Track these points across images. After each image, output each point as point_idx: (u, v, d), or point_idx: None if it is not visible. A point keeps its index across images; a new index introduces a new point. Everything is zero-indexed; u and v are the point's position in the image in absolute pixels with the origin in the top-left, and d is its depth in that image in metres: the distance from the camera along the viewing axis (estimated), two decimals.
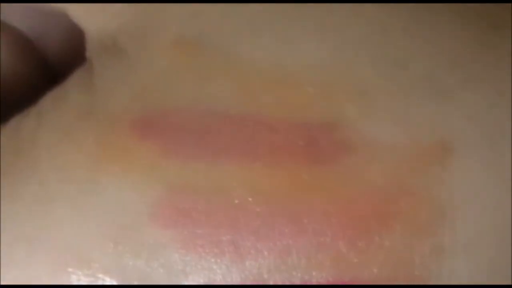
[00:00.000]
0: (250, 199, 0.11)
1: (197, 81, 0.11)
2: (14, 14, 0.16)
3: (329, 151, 0.11)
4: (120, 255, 0.11)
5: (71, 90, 0.12)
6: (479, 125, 0.11)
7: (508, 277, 0.11)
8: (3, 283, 0.12)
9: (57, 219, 0.11)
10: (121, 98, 0.12)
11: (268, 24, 0.12)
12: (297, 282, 0.11)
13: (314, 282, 0.11)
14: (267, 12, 0.12)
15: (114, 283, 0.11)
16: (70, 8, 0.13)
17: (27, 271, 0.12)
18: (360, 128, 0.11)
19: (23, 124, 0.13)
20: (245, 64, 0.11)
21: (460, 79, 0.11)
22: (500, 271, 0.11)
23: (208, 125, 0.11)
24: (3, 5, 0.15)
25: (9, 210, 0.12)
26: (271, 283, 0.11)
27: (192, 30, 0.12)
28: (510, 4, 0.12)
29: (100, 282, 0.11)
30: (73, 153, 0.12)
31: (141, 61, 0.12)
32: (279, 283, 0.11)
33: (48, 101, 0.13)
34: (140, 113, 0.12)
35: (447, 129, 0.11)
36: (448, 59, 0.11)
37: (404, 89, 0.11)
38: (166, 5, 0.12)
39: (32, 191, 0.12)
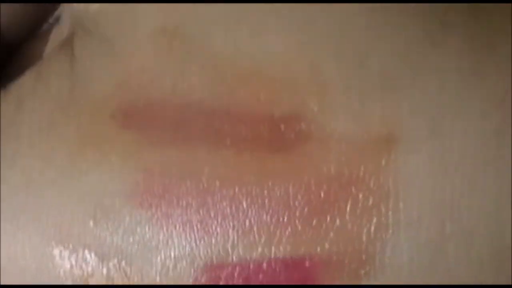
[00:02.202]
0: (217, 183, 0.12)
1: (176, 73, 0.12)
2: None
3: (290, 141, 0.12)
4: (99, 231, 0.12)
5: (51, 75, 0.13)
6: (422, 119, 0.12)
7: (442, 256, 0.12)
8: None
9: (41, 201, 0.13)
10: (102, 87, 0.13)
11: (241, 18, 0.12)
12: (257, 256, 0.12)
13: (272, 256, 0.12)
14: (241, 7, 0.12)
15: (93, 256, 0.12)
16: None
17: (14, 245, 0.13)
18: (319, 121, 0.12)
19: (3, 108, 0.13)
20: (219, 58, 0.12)
21: (410, 76, 0.12)
22: (435, 249, 0.12)
23: (182, 116, 0.12)
24: None
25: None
26: (234, 257, 0.12)
27: (173, 21, 0.12)
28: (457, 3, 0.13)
29: (80, 255, 0.12)
30: (54, 141, 0.13)
31: (124, 49, 0.13)
32: (242, 257, 0.12)
33: (27, 85, 0.13)
34: (120, 103, 0.13)
35: (394, 122, 0.12)
36: (401, 56, 0.12)
37: (360, 85, 0.12)
38: None
39: (15, 176, 0.13)
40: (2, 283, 0.13)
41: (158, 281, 0.12)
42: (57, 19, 0.16)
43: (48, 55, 0.14)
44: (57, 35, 0.15)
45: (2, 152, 0.13)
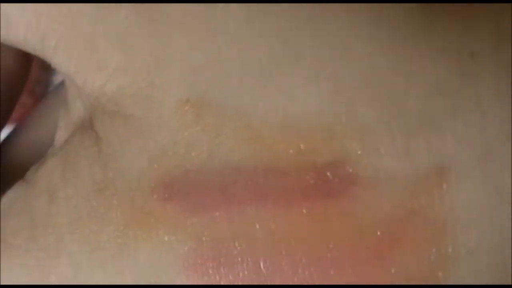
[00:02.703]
0: (271, 239, 0.12)
1: (209, 139, 0.12)
2: None
3: (338, 186, 0.12)
4: None
5: (79, 160, 0.13)
6: (469, 148, 0.12)
7: (506, 279, 0.12)
8: None
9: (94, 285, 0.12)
10: (136, 163, 0.12)
11: (268, 76, 0.12)
12: None
13: None
14: (265, 64, 0.12)
15: None
16: (57, 58, 0.13)
17: None
18: (364, 162, 0.12)
19: (34, 204, 0.13)
20: (250, 118, 0.12)
21: (449, 108, 0.12)
22: (498, 273, 0.12)
23: (224, 179, 0.12)
24: None
25: (47, 277, 0.13)
26: None
27: (196, 90, 0.12)
28: (485, 30, 0.13)
29: None
30: (97, 224, 0.12)
31: (150, 124, 0.12)
32: None
33: (56, 175, 0.13)
34: (158, 177, 0.12)
35: (442, 154, 0.12)
36: (436, 90, 0.12)
37: (399, 123, 0.12)
38: (166, 63, 0.12)
39: (62, 265, 0.12)
40: None
41: None
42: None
43: (71, 141, 0.13)
44: (68, 119, 0.14)
45: (44, 244, 0.13)
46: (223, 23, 0.12)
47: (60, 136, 0.14)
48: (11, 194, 0.13)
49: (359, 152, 0.12)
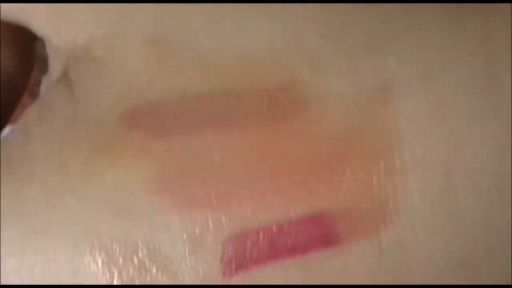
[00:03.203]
0: (229, 159, 0.13)
1: (169, 74, 0.13)
2: None
3: (290, 108, 0.13)
4: (124, 225, 0.13)
5: (53, 103, 0.14)
6: (410, 67, 0.13)
7: (449, 190, 0.12)
8: (24, 266, 0.13)
9: (64, 209, 0.13)
10: (104, 100, 0.13)
11: (222, 15, 0.13)
12: (278, 218, 0.13)
13: (292, 216, 0.13)
14: (220, 8, 0.13)
15: (123, 249, 0.13)
16: (35, 23, 0.14)
17: (45, 255, 0.13)
18: (313, 85, 0.13)
19: (11, 141, 0.14)
20: (207, 53, 0.13)
21: (391, 32, 0.13)
22: (443, 186, 0.13)
23: (184, 108, 0.13)
24: None
25: (19, 210, 0.13)
26: (256, 223, 0.13)
27: (158, 31, 0.13)
28: None
29: (110, 250, 0.13)
30: (68, 156, 0.13)
31: (116, 65, 0.13)
32: (263, 222, 0.13)
33: (32, 117, 0.14)
34: (124, 109, 0.13)
35: (385, 74, 0.13)
36: (378, 18, 0.13)
37: (346, 48, 0.13)
38: (129, 12, 0.13)
39: (36, 192, 0.13)
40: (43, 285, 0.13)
41: (187, 261, 0.13)
42: (44, 60, 0.16)
43: (47, 88, 0.14)
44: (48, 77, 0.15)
45: (19, 176, 0.14)
46: None
47: None
48: None
49: (308, 76, 0.13)
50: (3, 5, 0.14)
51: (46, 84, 0.15)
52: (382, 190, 0.13)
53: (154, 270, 0.13)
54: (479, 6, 0.13)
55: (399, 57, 0.13)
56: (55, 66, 0.15)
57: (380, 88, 0.13)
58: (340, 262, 0.13)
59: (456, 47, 0.13)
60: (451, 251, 0.13)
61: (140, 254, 0.13)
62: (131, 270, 0.13)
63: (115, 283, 0.13)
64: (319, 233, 0.13)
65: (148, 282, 0.13)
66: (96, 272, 0.13)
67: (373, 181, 0.13)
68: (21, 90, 0.18)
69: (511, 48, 0.13)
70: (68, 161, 0.13)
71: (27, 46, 0.18)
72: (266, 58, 0.13)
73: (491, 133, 0.13)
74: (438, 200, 0.13)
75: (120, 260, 0.13)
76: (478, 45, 0.13)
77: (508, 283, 0.13)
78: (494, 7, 0.13)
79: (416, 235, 0.13)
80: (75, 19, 0.14)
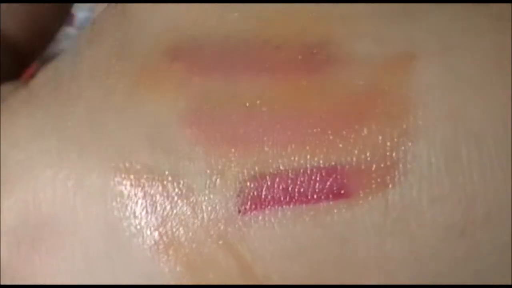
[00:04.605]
0: (258, 102, 0.14)
1: (218, 13, 0.14)
2: None
3: (322, 63, 0.14)
4: (155, 153, 0.14)
5: (105, 26, 0.15)
6: (436, 37, 0.14)
7: (455, 154, 0.13)
8: (58, 179, 0.14)
9: (104, 127, 0.14)
10: (153, 29, 0.15)
11: None
12: (295, 166, 0.14)
13: (308, 165, 0.14)
14: None
15: (150, 176, 0.14)
16: None
17: (78, 170, 0.14)
18: (347, 44, 0.14)
19: (61, 63, 0.15)
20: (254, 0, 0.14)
21: (426, 6, 0.14)
22: (450, 153, 0.13)
23: (225, 47, 0.14)
24: None
25: (62, 123, 0.15)
26: (274, 169, 0.14)
27: None
28: None
29: (138, 175, 0.14)
30: (113, 77, 0.14)
31: None
32: (281, 168, 0.14)
33: (83, 39, 0.15)
34: (170, 41, 0.14)
35: (412, 41, 0.14)
36: None
37: (379, 13, 0.14)
38: None
39: (79, 113, 0.15)
40: None
41: (207, 193, 0.14)
42: None
43: (99, 13, 0.16)
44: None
45: (66, 91, 0.15)
46: None
47: None
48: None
49: (342, 35, 0.14)
50: None
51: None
52: (394, 151, 0.13)
53: (175, 198, 0.14)
54: None
55: (428, 27, 0.14)
56: None
57: (406, 55, 0.14)
58: (348, 215, 0.14)
59: (476, 23, 0.14)
60: (452, 218, 0.13)
61: (164, 182, 0.14)
62: (155, 196, 0.14)
63: (138, 207, 0.14)
64: (331, 184, 0.14)
65: (168, 209, 0.14)
66: (123, 193, 0.14)
67: (387, 142, 0.13)
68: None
69: None
70: (112, 84, 0.14)
71: None
72: (308, 14, 0.14)
73: (498, 103, 0.13)
74: (445, 167, 0.13)
75: (146, 185, 0.14)
76: (493, 23, 0.14)
77: (508, 282, 0.14)
78: None
79: (420, 198, 0.13)
80: None
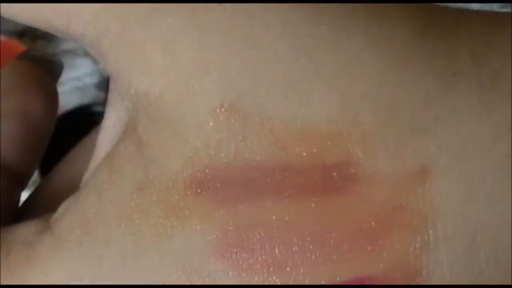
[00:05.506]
0: (284, 225, 0.14)
1: (236, 141, 0.14)
2: None
3: (341, 184, 0.14)
4: (187, 281, 0.14)
5: (123, 163, 0.15)
6: (448, 152, 0.14)
7: (475, 263, 0.14)
8: None
9: (138, 270, 0.15)
10: (173, 164, 0.14)
11: (291, 86, 0.14)
12: (325, 282, 0.14)
13: (338, 279, 0.14)
14: (290, 76, 0.14)
15: None
16: (111, 62, 0.15)
17: None
18: (363, 164, 0.14)
19: (85, 204, 0.15)
20: (273, 123, 0.14)
21: (433, 118, 0.15)
22: (470, 258, 0.14)
23: (248, 177, 0.14)
24: None
25: (96, 271, 0.15)
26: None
27: (228, 96, 0.14)
28: (464, 51, 0.15)
29: None
30: (139, 218, 0.15)
31: (186, 127, 0.14)
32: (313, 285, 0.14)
33: (103, 179, 0.15)
34: (191, 175, 0.14)
35: (425, 157, 0.14)
36: (423, 103, 0.15)
37: (393, 130, 0.14)
38: (205, 70, 0.14)
39: (111, 254, 0.15)
40: None
41: None
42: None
43: (116, 147, 0.15)
44: (112, 123, 0.16)
45: (95, 237, 0.15)
46: (260, 36, 0.14)
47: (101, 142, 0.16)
48: (65, 202, 0.16)
49: (360, 156, 0.14)
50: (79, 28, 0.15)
51: (111, 125, 0.16)
52: (417, 261, 0.14)
53: None
54: (507, 92, 0.15)
55: (439, 140, 0.15)
56: (117, 107, 0.16)
57: (421, 169, 0.14)
58: None
59: (485, 133, 0.15)
60: None
61: None
62: None
63: None
64: None
65: None
66: None
67: (409, 253, 0.14)
68: (50, 130, 0.19)
69: None
70: (140, 224, 0.15)
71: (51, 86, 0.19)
72: (325, 134, 0.14)
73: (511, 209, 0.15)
74: (464, 271, 0.15)
75: None
76: (503, 133, 0.15)
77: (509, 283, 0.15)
78: None
79: None
80: (150, 65, 0.14)
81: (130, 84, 0.15)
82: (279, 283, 0.14)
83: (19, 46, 0.54)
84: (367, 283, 0.15)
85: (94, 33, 0.15)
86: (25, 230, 0.16)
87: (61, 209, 0.16)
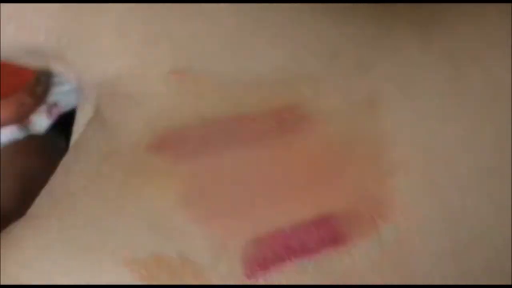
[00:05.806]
0: (243, 172, 0.15)
1: (191, 101, 0.15)
2: None
3: (294, 124, 0.15)
4: (158, 239, 0.15)
5: (89, 140, 0.16)
6: (393, 82, 0.15)
7: (433, 191, 0.14)
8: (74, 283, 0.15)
9: (105, 230, 0.15)
10: (135, 130, 0.15)
11: (237, 44, 0.15)
12: (290, 222, 0.15)
13: (301, 220, 0.14)
14: (235, 36, 0.15)
15: (157, 261, 0.15)
16: (71, 60, 0.16)
17: (89, 272, 0.15)
18: (313, 103, 0.15)
19: (52, 185, 0.16)
20: (224, 79, 0.15)
21: (376, 55, 0.15)
22: (428, 181, 0.15)
23: (205, 130, 0.15)
24: None
25: (64, 236, 0.15)
26: (270, 227, 0.15)
27: (179, 62, 0.15)
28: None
29: (145, 262, 0.15)
30: (104, 184, 0.15)
31: (143, 95, 0.15)
32: (277, 226, 0.14)
33: (71, 154, 0.16)
34: (152, 136, 0.15)
35: (372, 89, 0.15)
36: (367, 44, 0.15)
37: (340, 70, 0.15)
38: (155, 43, 0.15)
39: (80, 223, 0.15)
40: None
41: (214, 266, 0.15)
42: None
43: (82, 132, 0.16)
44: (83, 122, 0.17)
45: (64, 207, 0.15)
46: (203, 6, 0.15)
47: None
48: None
49: (310, 95, 0.15)
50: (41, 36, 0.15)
51: (82, 121, 0.17)
52: (377, 190, 0.14)
53: (187, 277, 0.15)
54: (445, 27, 0.15)
55: (383, 72, 0.15)
56: (86, 106, 0.17)
57: (369, 101, 0.15)
58: (348, 260, 0.15)
59: (427, 61, 0.15)
60: (442, 242, 0.15)
61: (173, 264, 0.15)
62: (166, 278, 0.15)
63: None
64: (327, 233, 0.15)
65: None
66: (133, 282, 0.15)
67: (369, 182, 0.14)
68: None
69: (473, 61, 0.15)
70: (105, 188, 0.15)
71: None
72: (275, 82, 0.15)
73: (464, 130, 0.15)
74: (425, 195, 0.14)
75: (156, 270, 0.15)
76: (446, 60, 0.15)
77: (508, 282, 0.15)
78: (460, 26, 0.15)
79: (409, 228, 0.14)
80: (106, 49, 0.15)
81: (91, 74, 0.16)
82: (243, 228, 0.15)
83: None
84: (332, 220, 0.15)
85: (54, 36, 0.16)
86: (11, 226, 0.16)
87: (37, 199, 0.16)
